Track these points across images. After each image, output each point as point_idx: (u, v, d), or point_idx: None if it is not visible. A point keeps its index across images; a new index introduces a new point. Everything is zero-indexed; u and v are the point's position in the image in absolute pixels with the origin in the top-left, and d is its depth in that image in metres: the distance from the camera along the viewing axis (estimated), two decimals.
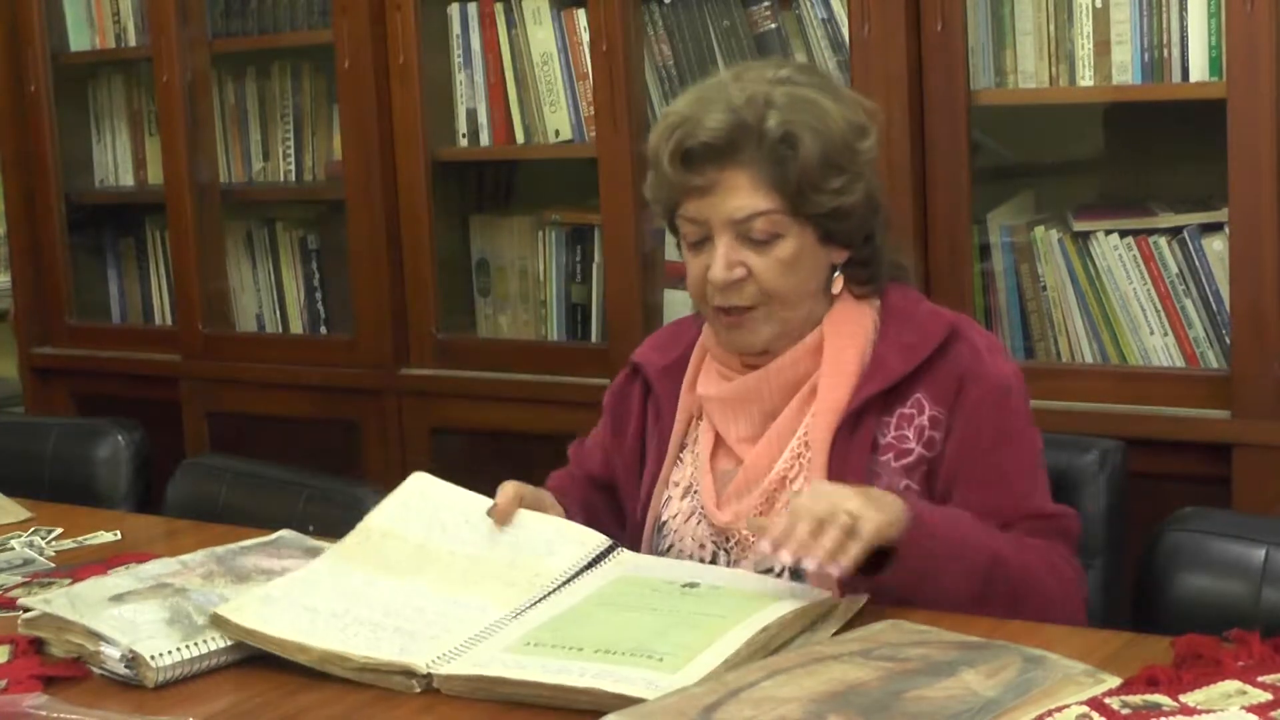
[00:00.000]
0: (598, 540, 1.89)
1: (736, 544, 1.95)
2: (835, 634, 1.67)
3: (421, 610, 1.75)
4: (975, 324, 2.02)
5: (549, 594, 1.79)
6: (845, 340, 1.96)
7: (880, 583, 1.76)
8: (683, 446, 2.06)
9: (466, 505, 1.94)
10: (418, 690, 1.63)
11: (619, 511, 2.11)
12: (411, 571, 1.84)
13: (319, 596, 1.78)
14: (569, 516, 2.02)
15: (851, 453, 1.91)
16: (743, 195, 1.91)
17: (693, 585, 1.78)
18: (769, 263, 1.92)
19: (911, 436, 1.92)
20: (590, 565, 1.85)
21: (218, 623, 1.73)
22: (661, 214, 2.02)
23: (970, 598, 1.79)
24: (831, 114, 1.93)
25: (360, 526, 1.92)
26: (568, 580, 1.82)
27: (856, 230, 1.97)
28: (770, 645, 1.64)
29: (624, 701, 1.51)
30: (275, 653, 1.70)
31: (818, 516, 1.69)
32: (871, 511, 1.71)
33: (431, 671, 1.64)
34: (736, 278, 1.92)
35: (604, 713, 1.50)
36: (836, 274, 1.98)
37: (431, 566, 1.85)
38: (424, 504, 1.94)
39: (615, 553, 1.89)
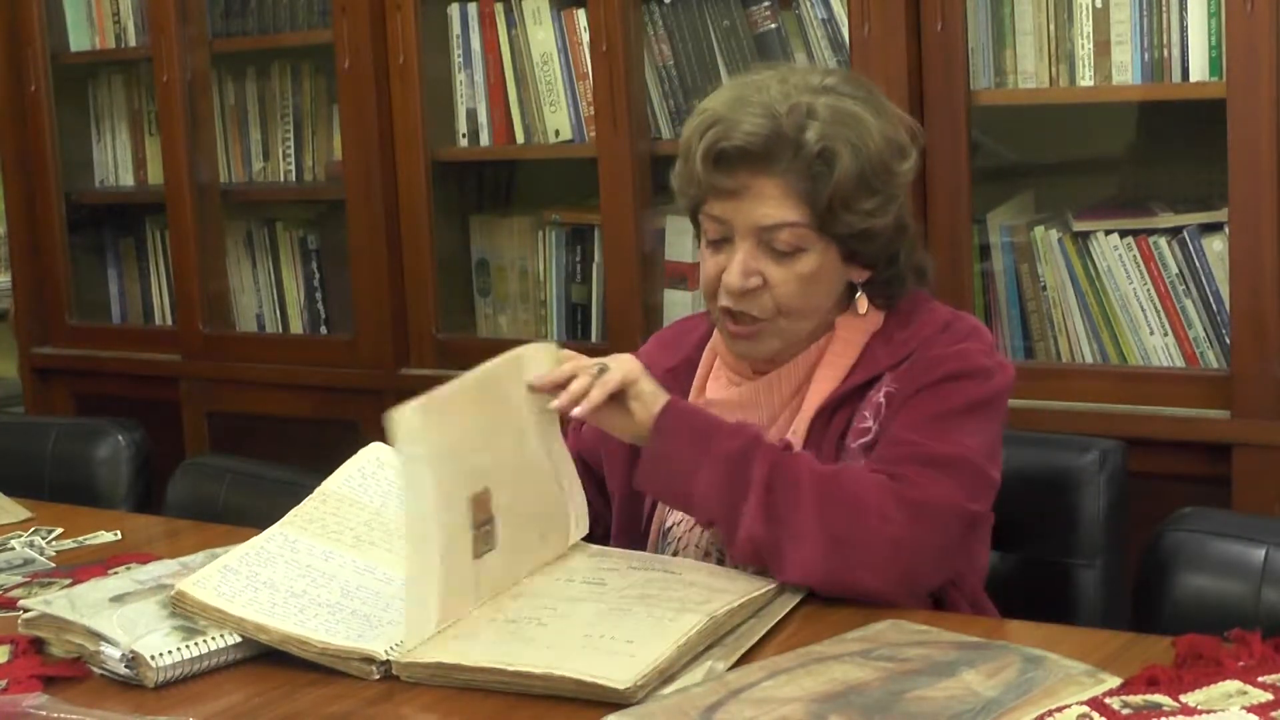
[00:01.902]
0: (579, 538, 1.92)
1: None
2: (835, 634, 1.67)
3: (378, 594, 1.77)
4: (971, 319, 1.97)
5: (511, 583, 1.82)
6: (848, 339, 1.95)
7: (642, 468, 1.86)
8: None
9: None
10: (376, 676, 1.65)
11: (604, 490, 2.12)
12: (367, 543, 1.86)
13: (278, 569, 1.80)
14: None
15: (824, 442, 1.90)
16: (771, 204, 1.86)
17: (644, 574, 1.82)
18: (787, 275, 1.89)
19: (869, 415, 1.90)
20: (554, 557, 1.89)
21: (180, 600, 1.73)
22: (685, 206, 1.99)
23: (726, 485, 1.79)
24: (873, 132, 1.87)
25: (318, 491, 1.93)
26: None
27: (881, 252, 1.93)
28: (718, 632, 1.67)
29: (582, 687, 1.54)
30: (235, 631, 1.71)
31: (575, 362, 1.85)
32: (634, 369, 1.85)
33: (390, 659, 1.66)
34: (751, 286, 1.89)
35: (560, 698, 1.55)
36: (859, 294, 1.95)
37: (386, 539, 1.87)
38: (381, 472, 1.97)
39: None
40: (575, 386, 1.83)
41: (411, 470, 1.67)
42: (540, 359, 1.88)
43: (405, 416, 1.66)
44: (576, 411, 1.83)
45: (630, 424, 1.86)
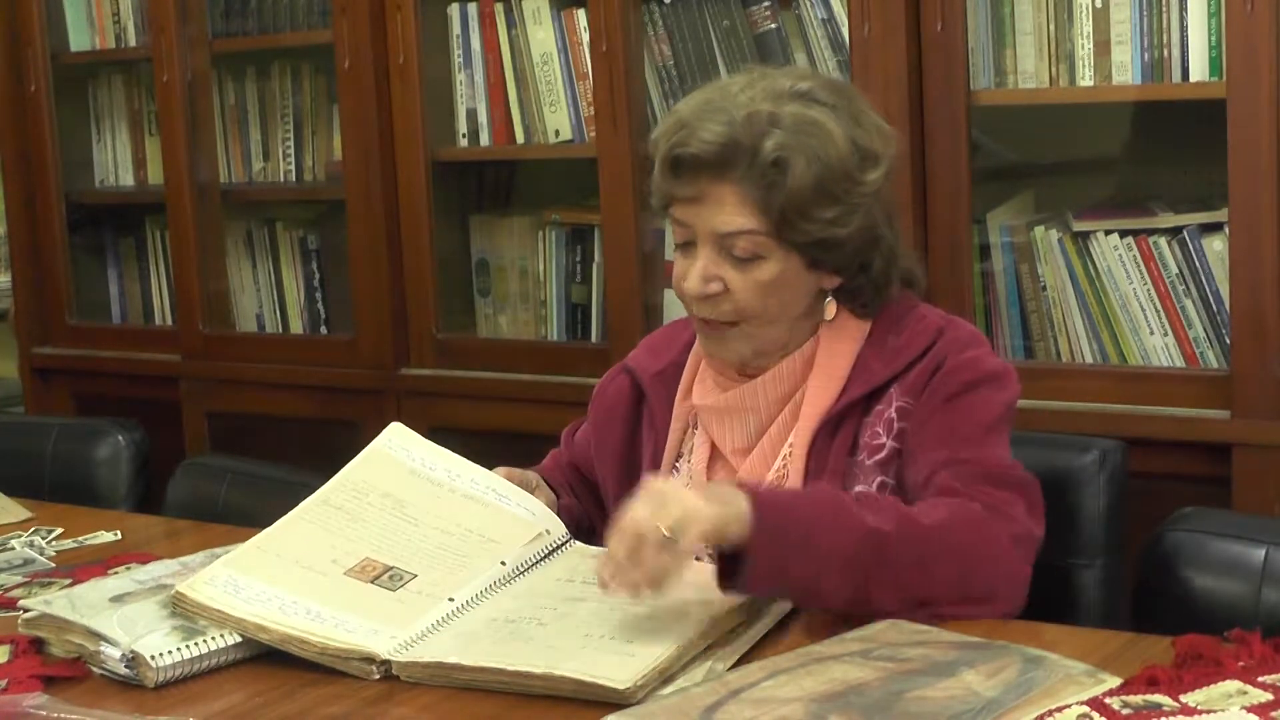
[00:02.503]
0: (560, 532, 1.93)
1: None
2: (835, 634, 1.67)
3: (381, 602, 1.77)
4: (964, 323, 1.98)
5: (505, 582, 1.82)
6: (837, 348, 1.94)
7: (748, 586, 1.68)
8: (678, 455, 2.03)
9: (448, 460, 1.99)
10: (376, 676, 1.65)
11: (600, 500, 2.12)
12: (379, 536, 1.86)
13: (281, 569, 1.80)
14: (556, 498, 2.05)
15: (830, 456, 1.90)
16: (728, 212, 1.87)
17: None
18: (747, 282, 1.88)
19: (882, 431, 1.90)
20: (546, 556, 1.89)
21: (180, 600, 1.73)
22: (657, 208, 2.00)
23: (852, 584, 1.69)
24: (837, 140, 1.86)
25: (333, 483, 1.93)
26: (523, 571, 1.85)
27: (848, 260, 1.91)
28: (718, 632, 1.67)
29: (582, 687, 1.55)
30: (236, 631, 1.71)
31: (633, 536, 1.63)
32: (699, 512, 1.63)
33: (390, 659, 1.66)
34: (712, 291, 1.89)
35: (563, 698, 1.55)
36: (829, 300, 1.95)
37: (402, 529, 1.87)
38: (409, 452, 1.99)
39: (569, 544, 1.92)
40: (647, 569, 1.63)
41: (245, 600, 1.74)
42: (401, 435, 1.99)
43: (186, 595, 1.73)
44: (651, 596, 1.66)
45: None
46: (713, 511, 1.65)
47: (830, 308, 1.95)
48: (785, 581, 1.69)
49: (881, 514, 1.74)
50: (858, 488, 1.89)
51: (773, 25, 2.95)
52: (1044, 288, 2.79)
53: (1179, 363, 2.68)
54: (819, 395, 1.92)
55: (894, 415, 1.90)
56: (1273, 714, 1.40)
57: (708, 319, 1.93)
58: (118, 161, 3.93)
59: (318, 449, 3.37)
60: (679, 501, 1.65)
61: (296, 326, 3.69)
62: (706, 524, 1.64)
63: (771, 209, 1.85)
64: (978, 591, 1.75)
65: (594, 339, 3.23)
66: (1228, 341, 2.60)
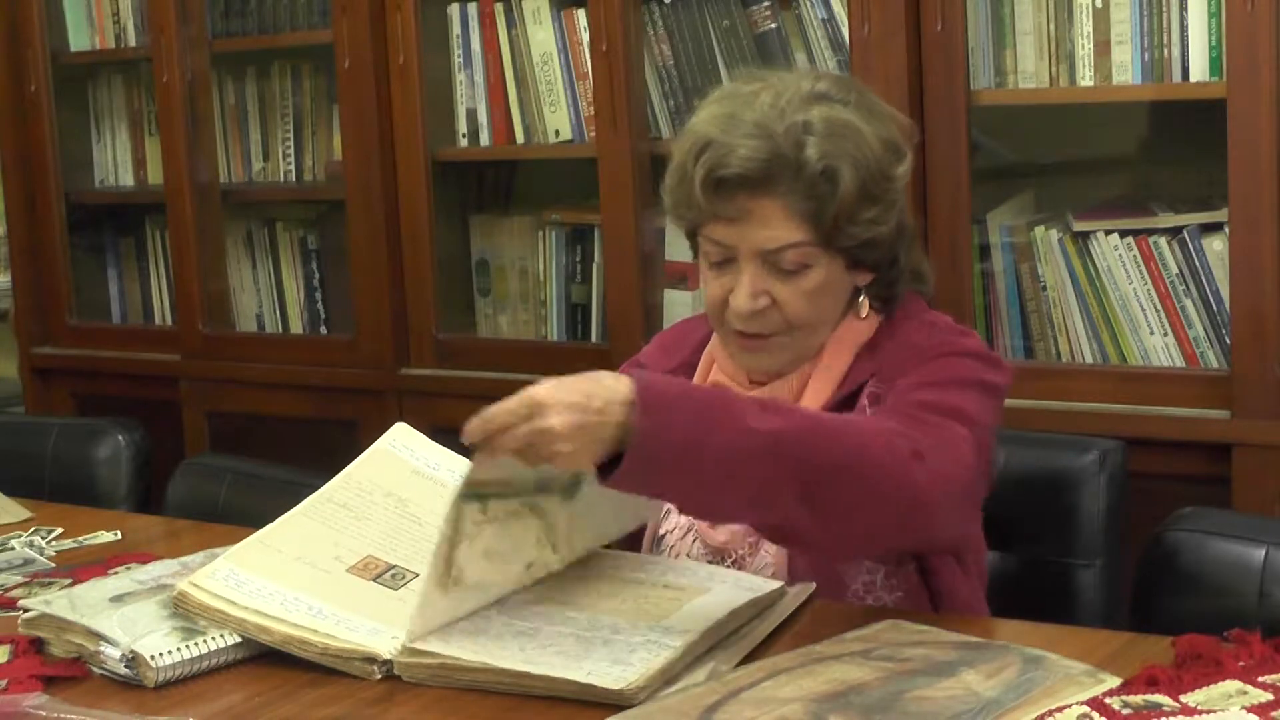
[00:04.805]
0: None
1: (733, 563, 1.92)
2: (835, 634, 1.67)
3: (382, 601, 1.78)
4: (962, 326, 1.97)
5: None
6: (838, 355, 1.93)
7: (621, 477, 1.58)
8: None
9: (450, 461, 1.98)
10: (378, 676, 1.65)
11: None
12: (382, 534, 1.86)
13: (284, 569, 1.79)
14: None
15: None
16: (775, 226, 1.84)
17: (644, 578, 1.81)
18: (795, 292, 1.87)
19: None
20: None
21: (181, 600, 1.73)
22: (681, 226, 1.97)
23: (746, 494, 1.62)
24: (869, 141, 1.85)
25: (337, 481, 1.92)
26: None
27: (885, 255, 1.91)
28: (721, 632, 1.67)
29: (584, 689, 1.55)
30: (236, 631, 1.71)
31: (507, 411, 1.56)
32: (571, 396, 1.55)
33: (392, 659, 1.66)
34: (760, 307, 1.87)
35: (563, 699, 1.55)
36: (862, 297, 1.94)
37: (405, 528, 1.87)
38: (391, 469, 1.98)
39: None
40: (518, 439, 1.57)
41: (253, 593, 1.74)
42: (406, 435, 1.98)
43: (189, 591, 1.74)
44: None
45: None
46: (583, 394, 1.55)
47: (863, 306, 1.94)
48: (663, 478, 1.60)
49: (782, 416, 1.65)
50: None
51: (773, 25, 2.95)
52: (1044, 288, 2.79)
53: (1179, 363, 2.68)
54: (813, 399, 1.92)
55: (866, 402, 1.88)
56: (1273, 714, 1.40)
57: (753, 333, 1.90)
58: (118, 161, 3.93)
59: (318, 449, 3.37)
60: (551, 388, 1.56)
61: (296, 326, 3.69)
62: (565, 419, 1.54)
63: (822, 219, 1.83)
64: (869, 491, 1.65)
65: (594, 339, 3.23)
66: (1228, 341, 2.60)
